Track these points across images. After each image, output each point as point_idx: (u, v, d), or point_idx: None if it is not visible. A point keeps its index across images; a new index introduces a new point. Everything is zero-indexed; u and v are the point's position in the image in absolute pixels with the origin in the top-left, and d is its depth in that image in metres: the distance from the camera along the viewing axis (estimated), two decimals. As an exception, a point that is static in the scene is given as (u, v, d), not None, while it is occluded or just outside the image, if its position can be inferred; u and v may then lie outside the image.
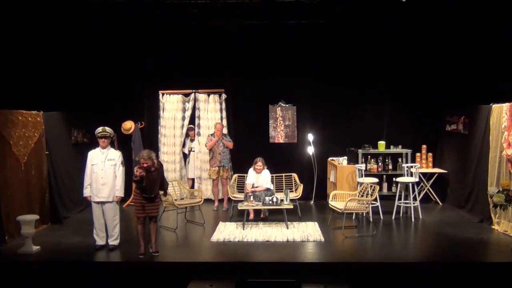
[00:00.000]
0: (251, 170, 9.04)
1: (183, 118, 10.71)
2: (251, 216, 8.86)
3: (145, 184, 6.74)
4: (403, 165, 9.38)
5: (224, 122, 10.52)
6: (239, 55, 10.48)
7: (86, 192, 7.14)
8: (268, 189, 8.83)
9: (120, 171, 7.13)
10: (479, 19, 8.81)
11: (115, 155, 7.17)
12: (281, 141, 10.75)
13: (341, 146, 10.11)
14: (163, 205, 8.19)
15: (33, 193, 8.09)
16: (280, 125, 10.72)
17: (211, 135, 9.88)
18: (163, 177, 7.43)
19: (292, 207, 8.49)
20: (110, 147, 7.25)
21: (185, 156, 10.88)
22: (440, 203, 10.10)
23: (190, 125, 10.70)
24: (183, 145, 10.85)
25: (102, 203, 7.08)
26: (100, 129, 7.13)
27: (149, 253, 6.82)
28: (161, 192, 7.37)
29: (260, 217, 8.91)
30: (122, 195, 7.21)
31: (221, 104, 10.69)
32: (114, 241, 7.16)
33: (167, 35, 10.34)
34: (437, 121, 10.44)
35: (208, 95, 10.70)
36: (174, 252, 7.21)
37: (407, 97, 10.43)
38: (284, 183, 9.76)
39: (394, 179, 9.61)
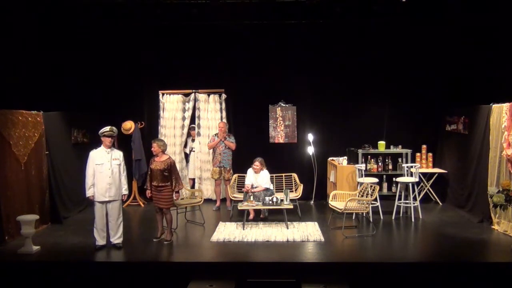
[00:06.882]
0: (250, 170, 9.04)
1: (183, 118, 10.71)
2: (251, 216, 8.87)
3: (150, 171, 7.51)
4: (403, 165, 9.37)
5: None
6: (239, 55, 10.48)
7: (90, 193, 7.08)
8: (267, 189, 8.83)
9: (124, 170, 7.31)
10: (479, 19, 8.81)
11: (119, 154, 7.25)
12: (281, 141, 10.74)
13: (341, 146, 10.11)
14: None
15: (33, 193, 8.09)
16: (280, 125, 10.72)
17: (215, 135, 9.87)
18: (174, 175, 7.50)
19: (292, 207, 8.49)
20: (113, 147, 7.29)
21: (187, 156, 10.88)
22: (440, 203, 10.10)
23: (192, 125, 10.71)
24: (185, 145, 10.86)
25: (108, 202, 7.08)
26: (107, 128, 7.15)
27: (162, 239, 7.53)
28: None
29: (260, 217, 8.91)
30: (127, 193, 7.47)
31: (221, 104, 10.69)
32: (118, 239, 7.18)
33: (167, 35, 10.33)
34: (437, 121, 10.45)
35: (208, 95, 10.69)
36: (174, 252, 7.21)
37: (407, 97, 10.42)
38: (284, 183, 9.75)
39: (394, 179, 9.61)
